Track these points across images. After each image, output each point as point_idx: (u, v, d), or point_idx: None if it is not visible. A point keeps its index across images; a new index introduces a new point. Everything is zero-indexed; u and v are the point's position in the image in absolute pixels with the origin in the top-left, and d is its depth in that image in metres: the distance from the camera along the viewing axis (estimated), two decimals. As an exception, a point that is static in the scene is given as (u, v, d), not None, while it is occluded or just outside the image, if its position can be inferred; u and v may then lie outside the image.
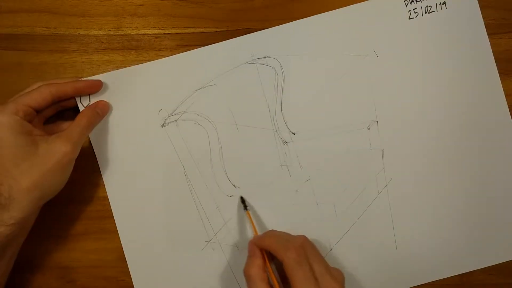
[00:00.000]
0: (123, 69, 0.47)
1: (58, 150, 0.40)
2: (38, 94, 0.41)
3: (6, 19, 0.47)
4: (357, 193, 0.48)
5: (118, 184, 0.47)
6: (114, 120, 0.47)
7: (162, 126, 0.47)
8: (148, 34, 0.48)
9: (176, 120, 0.47)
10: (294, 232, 0.45)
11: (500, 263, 0.48)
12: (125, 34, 0.48)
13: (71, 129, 0.42)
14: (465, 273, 0.48)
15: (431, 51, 0.49)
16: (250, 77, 0.48)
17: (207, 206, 0.48)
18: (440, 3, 0.49)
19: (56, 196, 0.47)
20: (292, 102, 0.48)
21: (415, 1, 0.48)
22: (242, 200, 0.47)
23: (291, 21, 0.49)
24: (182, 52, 0.48)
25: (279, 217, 0.48)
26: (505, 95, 0.49)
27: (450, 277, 0.48)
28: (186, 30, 0.48)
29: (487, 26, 0.49)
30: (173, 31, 0.48)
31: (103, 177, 0.47)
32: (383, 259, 0.48)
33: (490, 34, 0.49)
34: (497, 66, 0.49)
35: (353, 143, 0.48)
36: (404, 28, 0.49)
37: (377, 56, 0.48)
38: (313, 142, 0.48)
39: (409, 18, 0.48)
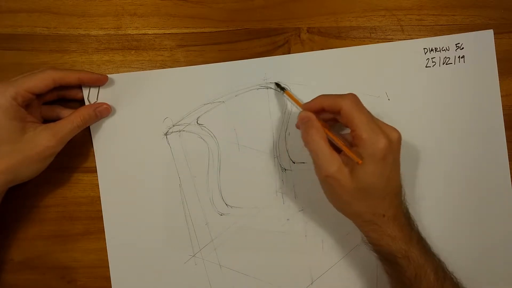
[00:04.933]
0: (136, 72, 0.47)
1: (42, 142, 0.41)
2: (41, 80, 0.41)
3: (6, 19, 0.47)
4: (346, 232, 0.47)
5: (111, 185, 0.47)
6: (119, 121, 0.47)
7: (165, 134, 0.47)
8: (148, 34, 0.48)
9: (179, 131, 0.47)
10: (274, 258, 0.46)
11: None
12: (125, 34, 0.48)
13: (63, 124, 0.42)
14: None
15: (442, 102, 0.49)
16: (260, 100, 0.48)
17: (196, 220, 0.48)
18: (459, 57, 0.48)
19: (57, 197, 0.47)
20: (297, 131, 0.47)
21: (434, 51, 0.48)
22: (277, 85, 0.47)
23: (291, 21, 0.49)
24: (182, 52, 0.48)
25: (266, 242, 0.48)
26: (504, 95, 0.49)
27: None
28: (186, 30, 0.48)
29: (487, 26, 0.49)
30: (173, 31, 0.48)
31: (98, 176, 0.47)
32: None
33: (490, 34, 0.49)
34: (497, 66, 0.49)
35: None
36: (419, 75, 0.48)
37: (388, 99, 0.48)
38: (311, 174, 0.47)
39: (425, 66, 0.48)
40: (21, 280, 0.47)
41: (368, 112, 0.40)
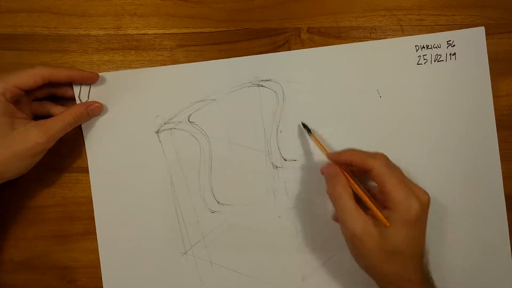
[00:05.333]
0: (127, 70, 0.47)
1: (32, 138, 0.41)
2: (30, 76, 0.41)
3: (6, 19, 0.47)
4: (337, 229, 0.47)
5: (103, 183, 0.47)
6: (110, 119, 0.47)
7: (156, 132, 0.47)
8: (148, 34, 0.48)
9: (171, 129, 0.47)
10: (265, 255, 0.47)
11: None
12: (125, 34, 0.48)
13: (54, 122, 0.42)
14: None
15: (433, 99, 0.49)
16: (251, 98, 0.48)
17: (188, 218, 0.47)
18: (451, 54, 0.48)
19: (57, 197, 0.47)
20: (289, 128, 0.48)
21: (426, 48, 0.48)
22: (304, 126, 0.47)
23: (291, 21, 0.49)
24: (182, 52, 0.48)
25: (257, 239, 0.48)
26: (504, 95, 0.49)
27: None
28: (186, 30, 0.48)
29: (487, 26, 0.49)
30: (173, 31, 0.48)
31: (90, 175, 0.47)
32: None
33: (489, 34, 0.49)
34: (497, 66, 0.49)
35: None
36: (410, 72, 0.48)
37: (380, 96, 0.48)
38: (303, 171, 0.48)
39: (417, 64, 0.48)
40: (21, 280, 0.47)
41: (400, 172, 0.39)
